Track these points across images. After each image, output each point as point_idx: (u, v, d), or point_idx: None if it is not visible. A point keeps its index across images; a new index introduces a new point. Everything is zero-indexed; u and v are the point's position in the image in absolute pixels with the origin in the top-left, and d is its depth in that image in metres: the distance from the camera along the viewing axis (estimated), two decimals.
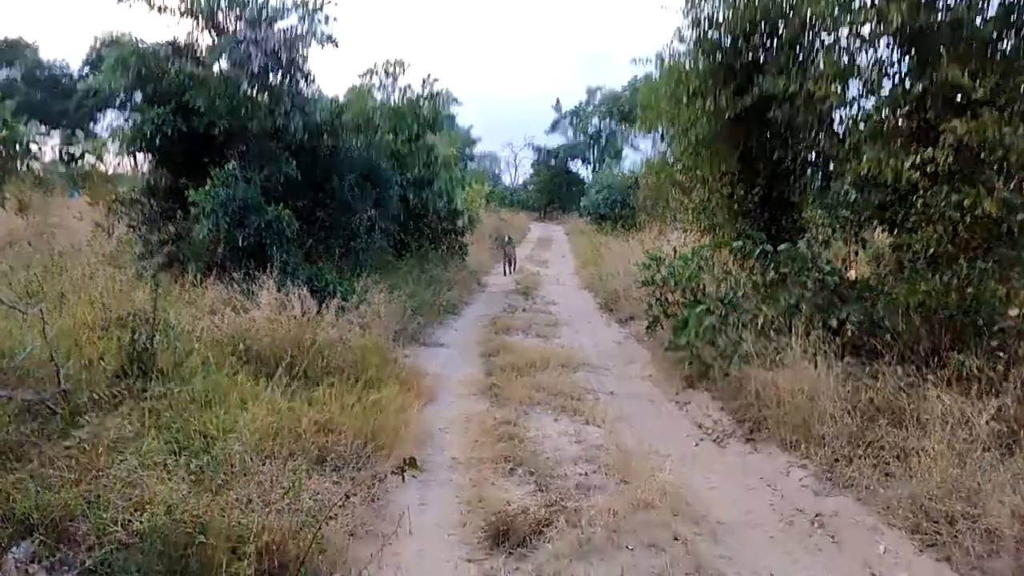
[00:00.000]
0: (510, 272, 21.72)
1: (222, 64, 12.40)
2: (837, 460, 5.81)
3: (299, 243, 12.08)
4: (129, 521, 4.07)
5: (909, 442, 5.61)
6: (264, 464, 5.12)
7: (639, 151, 46.75)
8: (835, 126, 8.42)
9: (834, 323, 7.46)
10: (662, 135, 21.38)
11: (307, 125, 12.69)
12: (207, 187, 10.83)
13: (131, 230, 12.63)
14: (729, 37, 9.36)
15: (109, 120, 44.01)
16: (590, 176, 58.46)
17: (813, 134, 8.49)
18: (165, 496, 4.19)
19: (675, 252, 10.20)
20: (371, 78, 17.43)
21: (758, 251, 8.20)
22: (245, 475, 4.87)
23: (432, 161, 16.93)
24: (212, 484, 4.61)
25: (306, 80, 12.76)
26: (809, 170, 8.93)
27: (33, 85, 44.02)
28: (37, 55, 46.41)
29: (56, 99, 45.07)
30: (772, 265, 8.19)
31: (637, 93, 45.54)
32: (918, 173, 6.62)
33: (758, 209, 9.72)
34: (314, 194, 13.01)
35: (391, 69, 17.29)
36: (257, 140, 12.06)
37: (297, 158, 12.39)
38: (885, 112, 7.59)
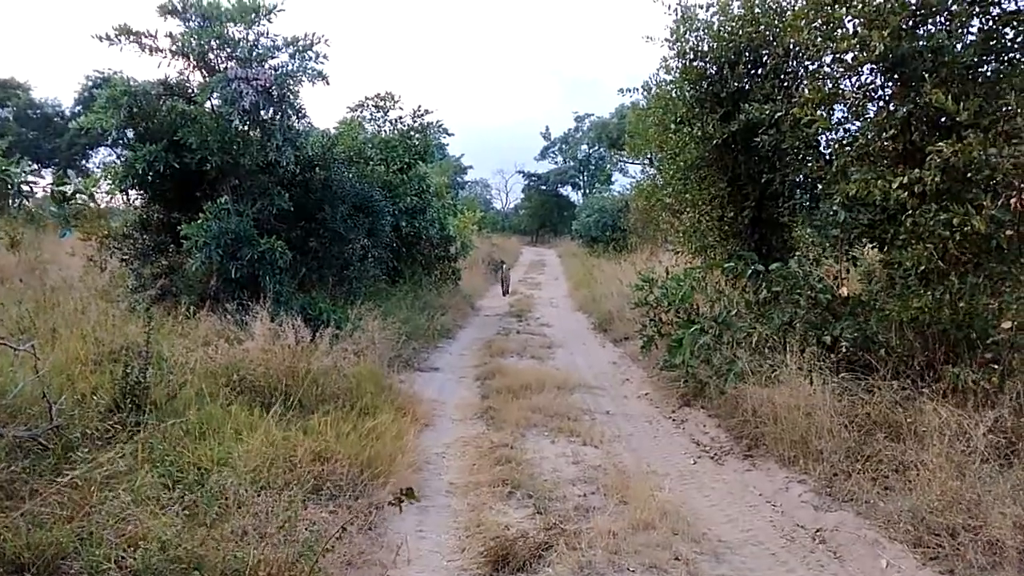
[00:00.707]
0: (506, 292, 22.41)
1: (214, 101, 12.46)
2: (836, 475, 5.75)
3: (292, 273, 12.03)
4: (123, 558, 3.97)
5: (907, 455, 5.56)
6: (259, 495, 5.02)
7: (629, 176, 46.99)
8: (821, 149, 8.46)
9: (828, 339, 7.43)
10: (651, 160, 21.64)
11: (299, 158, 12.72)
12: (200, 221, 10.81)
13: (123, 264, 12.57)
14: (715, 66, 9.46)
15: (101, 157, 44.21)
16: (580, 200, 58.95)
17: (800, 157, 8.54)
18: (159, 532, 4.09)
19: (667, 273, 10.19)
20: (362, 111, 17.57)
21: (750, 271, 8.19)
22: (240, 507, 4.78)
23: (424, 190, 16.99)
24: (206, 518, 4.52)
25: (297, 115, 12.77)
26: (797, 191, 8.96)
27: (25, 124, 44.17)
28: (29, 95, 46.61)
29: (48, 138, 45.24)
30: (764, 284, 8.17)
31: (625, 120, 46.30)
32: (906, 193, 6.62)
33: (748, 230, 9.74)
34: (307, 225, 12.98)
35: (381, 102, 17.42)
36: (249, 174, 12.04)
37: (289, 191, 12.38)
38: (870, 135, 7.62)
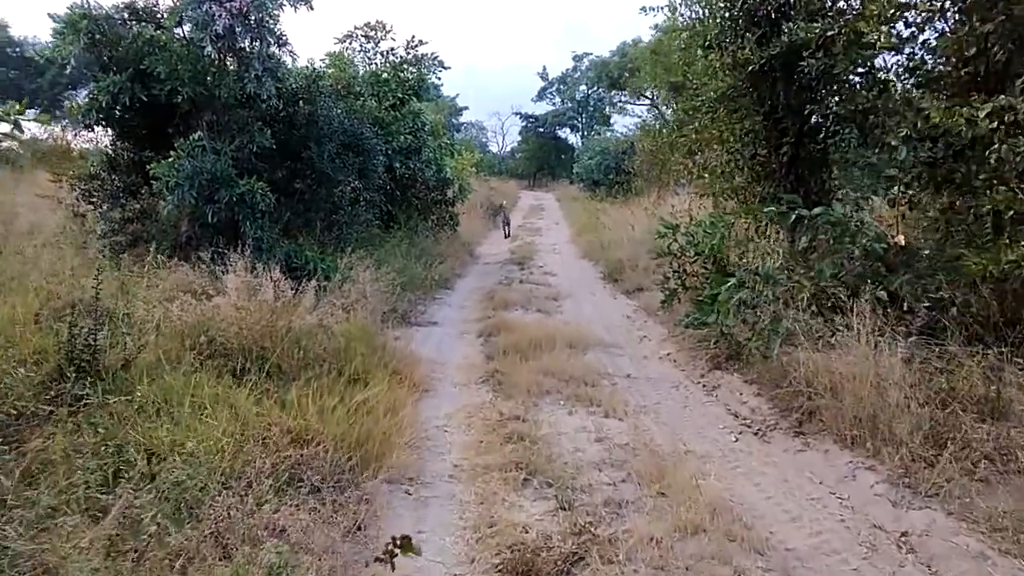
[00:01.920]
0: (507, 235, 22.13)
1: (184, 28, 11.15)
2: (914, 461, 4.78)
3: (276, 218, 10.91)
4: None
5: (1003, 440, 4.60)
6: (221, 493, 4.03)
7: (633, 115, 45.15)
8: (879, 75, 7.30)
9: (884, 295, 6.41)
10: (652, 101, 20.15)
11: (281, 92, 11.45)
12: (171, 159, 9.64)
13: (92, 208, 11.42)
14: None
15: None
16: (579, 143, 57.23)
17: (852, 84, 7.37)
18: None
19: (691, 219, 9.10)
20: (351, 42, 16.12)
21: (793, 216, 7.10)
22: (192, 511, 3.80)
23: (419, 128, 15.68)
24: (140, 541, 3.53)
25: (278, 43, 11.42)
26: (845, 125, 7.81)
27: (5, 63, 42.10)
28: (7, 32, 44.35)
29: (29, 77, 43.11)
30: (808, 231, 7.11)
31: (626, 58, 44.40)
32: (995, 123, 5.51)
33: (784, 170, 8.60)
34: (292, 165, 11.80)
35: (372, 32, 15.97)
36: (227, 108, 10.78)
37: (272, 127, 11.17)
38: (941, 57, 6.47)
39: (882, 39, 6.35)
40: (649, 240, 13.47)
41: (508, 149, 66.74)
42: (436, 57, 15.64)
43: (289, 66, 11.89)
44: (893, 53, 6.90)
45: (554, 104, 59.29)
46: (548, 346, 8.30)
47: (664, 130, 22.27)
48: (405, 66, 15.56)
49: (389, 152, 14.42)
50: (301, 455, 4.70)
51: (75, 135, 18.06)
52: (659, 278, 11.43)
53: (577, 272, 15.34)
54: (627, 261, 13.25)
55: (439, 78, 15.92)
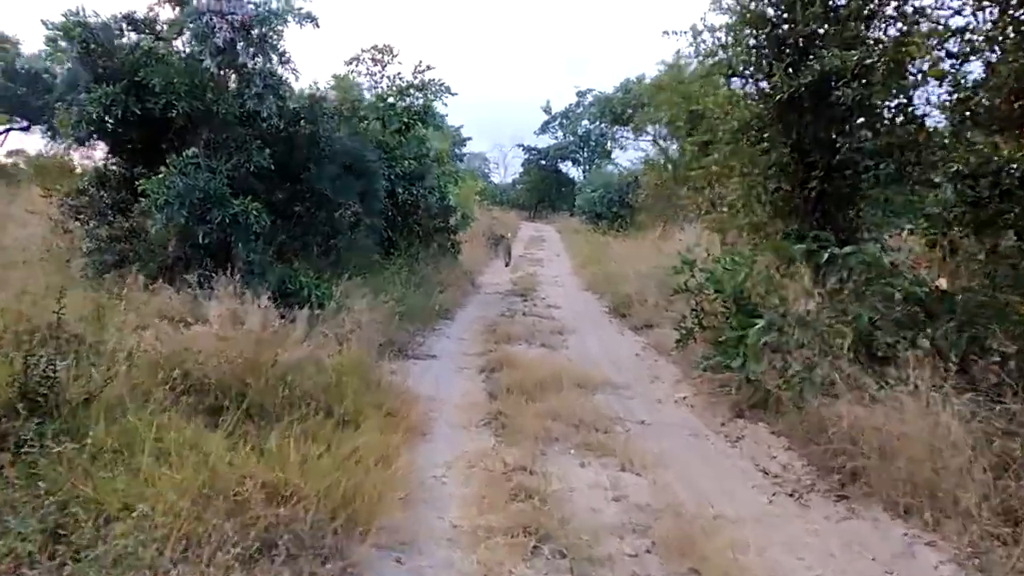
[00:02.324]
0: (508, 264, 21.80)
1: (184, 40, 10.67)
2: (983, 538, 4.12)
3: (270, 240, 10.32)
4: None
5: None
6: (177, 567, 3.35)
7: (639, 150, 44.72)
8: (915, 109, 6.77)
9: (926, 344, 5.80)
10: (671, 129, 19.63)
11: (283, 110, 10.96)
12: (161, 176, 9.06)
13: (80, 225, 10.82)
14: (782, 4, 7.64)
15: None
16: (580, 176, 56.97)
17: (887, 118, 6.83)
18: None
19: (708, 254, 8.50)
20: (357, 65, 15.68)
21: (826, 255, 6.49)
22: None
23: (424, 154, 15.18)
24: None
25: (281, 60, 10.95)
26: (879, 161, 7.23)
27: (14, 80, 41.82)
28: (18, 49, 44.19)
29: (37, 94, 42.85)
30: (839, 272, 6.50)
31: (629, 95, 44.28)
32: None
33: (810, 206, 8.01)
34: (291, 186, 11.23)
35: (379, 55, 15.55)
36: (224, 126, 10.25)
37: (271, 147, 10.63)
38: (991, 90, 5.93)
39: (929, 67, 5.79)
40: (657, 275, 12.89)
41: (509, 180, 66.48)
42: (443, 83, 15.20)
43: (292, 84, 11.41)
44: (937, 84, 6.34)
45: (556, 138, 59.12)
46: (554, 385, 7.64)
47: (669, 165, 21.96)
48: (411, 91, 15.11)
49: (392, 177, 13.89)
50: (278, 515, 4.01)
51: (75, 150, 17.54)
52: (670, 315, 10.89)
53: (581, 305, 14.71)
54: (636, 296, 12.61)
55: (445, 104, 15.44)
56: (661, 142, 46.30)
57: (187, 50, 10.46)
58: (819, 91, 7.27)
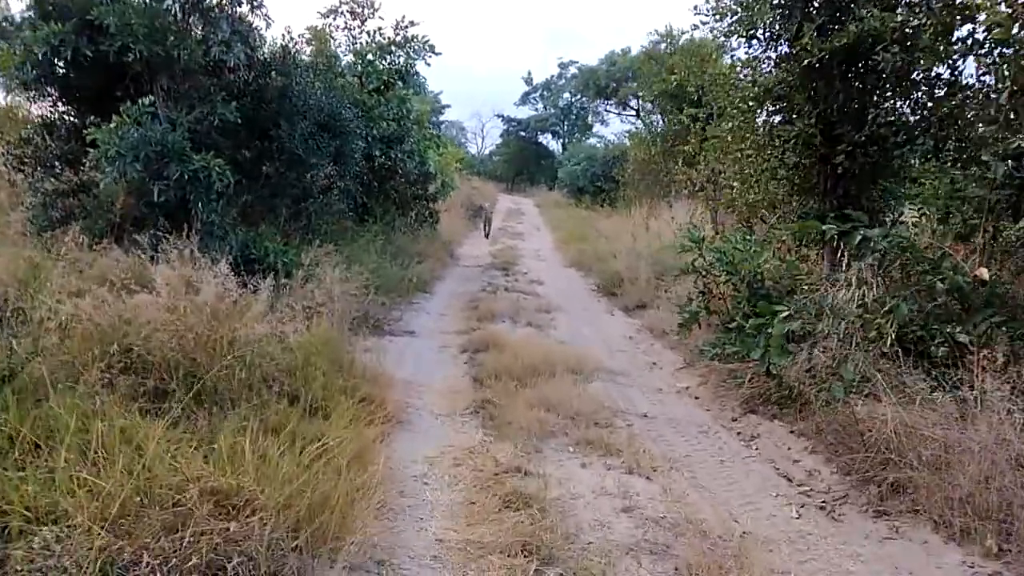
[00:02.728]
0: (487, 235, 21.29)
1: None
2: None
3: (234, 201, 9.44)
4: None
5: None
6: None
7: (628, 123, 43.81)
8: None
9: (965, 339, 5.20)
10: (661, 103, 18.89)
11: (252, 60, 9.99)
12: (113, 125, 8.11)
13: (24, 178, 9.83)
14: None
15: None
16: (560, 150, 56.09)
17: (930, 87, 6.16)
18: None
19: (716, 233, 7.81)
20: (334, 18, 14.60)
21: (859, 238, 5.81)
22: None
23: (403, 116, 14.25)
24: None
25: (251, 4, 9.97)
26: (917, 135, 6.55)
27: None
28: None
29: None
30: (872, 256, 5.84)
31: (615, 67, 43.38)
32: None
33: (830, 183, 7.32)
34: (259, 144, 10.32)
35: (358, 9, 14.48)
36: (187, 74, 9.28)
37: (239, 99, 9.71)
38: None
39: (999, 30, 5.09)
40: (648, 253, 12.24)
41: (487, 151, 65.31)
42: (427, 40, 14.23)
43: (263, 33, 10.42)
44: (988, 51, 5.66)
45: (536, 110, 58.15)
46: (546, 370, 6.94)
47: (657, 139, 21.21)
48: (392, 48, 14.15)
49: (369, 138, 12.97)
50: (227, 531, 3.26)
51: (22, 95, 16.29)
52: (664, 296, 10.25)
53: (565, 282, 14.02)
54: (627, 275, 11.91)
55: (428, 63, 14.47)
56: (645, 116, 45.87)
57: None
58: (852, 56, 6.57)
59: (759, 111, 7.70)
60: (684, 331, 7.48)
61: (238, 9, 9.68)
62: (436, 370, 7.32)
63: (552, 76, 57.37)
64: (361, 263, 10.39)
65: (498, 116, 57.57)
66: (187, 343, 4.86)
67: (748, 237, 7.13)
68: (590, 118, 55.44)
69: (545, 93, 58.21)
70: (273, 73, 10.28)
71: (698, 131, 16.68)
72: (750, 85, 7.48)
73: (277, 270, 8.19)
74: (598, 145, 35.62)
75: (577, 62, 52.91)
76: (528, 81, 58.82)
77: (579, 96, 54.72)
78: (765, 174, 7.82)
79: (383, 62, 14.03)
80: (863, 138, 6.75)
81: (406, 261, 12.28)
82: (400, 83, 14.16)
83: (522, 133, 56.97)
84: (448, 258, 15.57)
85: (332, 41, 14.34)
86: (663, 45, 20.99)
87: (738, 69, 7.86)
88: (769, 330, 5.69)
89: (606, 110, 50.12)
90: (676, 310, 8.66)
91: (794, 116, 7.18)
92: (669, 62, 20.29)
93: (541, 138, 57.82)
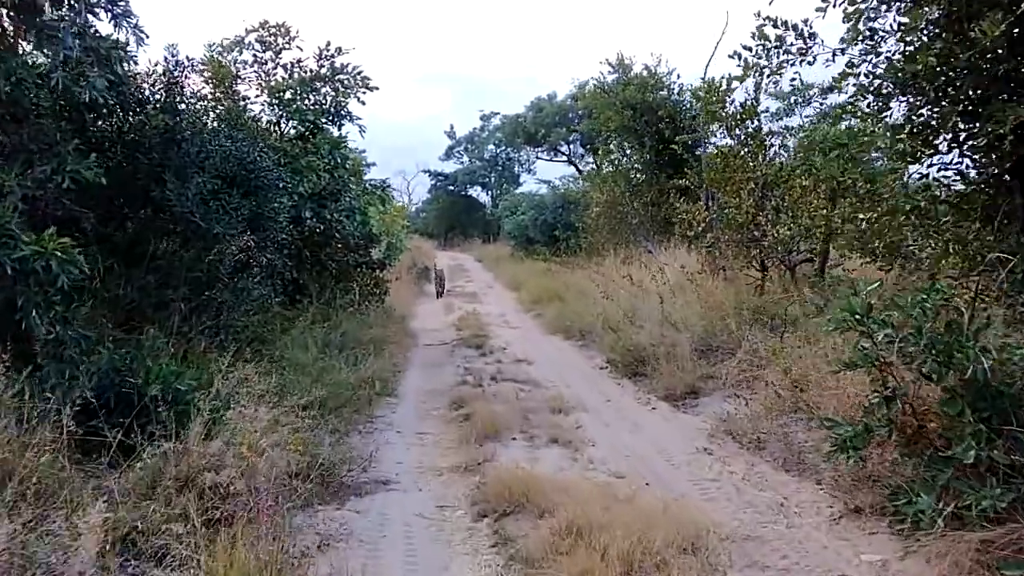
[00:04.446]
0: (441, 294, 19.73)
1: None
2: None
3: (102, 299, 6.15)
4: None
5: None
6: None
7: (568, 170, 41.58)
8: None
9: None
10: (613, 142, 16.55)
11: (122, 94, 6.79)
12: None
13: None
14: None
15: None
16: (489, 201, 53.70)
17: None
18: None
19: (878, 297, 4.89)
20: (240, 51, 11.43)
21: None
22: None
23: (337, 164, 11.12)
24: None
25: (112, 13, 6.77)
26: None
27: None
28: None
29: None
30: None
31: (542, 113, 41.48)
32: None
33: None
34: (142, 212, 7.06)
35: (270, 38, 11.36)
36: (19, 117, 6.07)
37: (102, 150, 6.55)
38: None
39: None
40: (681, 318, 9.37)
41: (413, 209, 62.28)
42: (359, 72, 11.23)
43: (134, 54, 7.21)
44: None
45: (462, 163, 55.90)
46: (647, 560, 3.86)
47: (620, 179, 18.71)
48: (316, 83, 11.09)
49: (296, 197, 9.80)
50: None
51: None
52: (714, 374, 7.38)
53: (560, 359, 10.96)
54: (652, 348, 8.90)
55: (362, 101, 11.45)
56: (576, 164, 43.90)
57: None
58: None
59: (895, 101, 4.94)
60: (843, 456, 4.52)
61: (91, 19, 6.48)
62: None
63: (475, 128, 55.41)
64: (298, 368, 7.20)
65: (425, 172, 54.91)
66: None
67: (927, 300, 4.27)
68: (516, 168, 53.63)
69: (469, 146, 56.07)
70: (152, 110, 7.06)
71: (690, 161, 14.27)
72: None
73: (164, 414, 4.89)
74: (541, 192, 33.05)
75: (499, 113, 50.99)
76: (451, 135, 56.66)
77: (503, 147, 52.81)
78: (919, 197, 5.03)
79: (306, 101, 10.94)
80: None
81: (358, 354, 9.04)
82: (331, 126, 11.09)
83: (450, 187, 54.48)
84: (407, 338, 12.31)
85: (237, 81, 11.17)
86: (613, 77, 18.55)
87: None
88: None
89: (538, 157, 48.14)
90: (750, 398, 5.79)
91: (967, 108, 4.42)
92: (623, 94, 17.96)
93: (471, 191, 55.46)
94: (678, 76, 19.93)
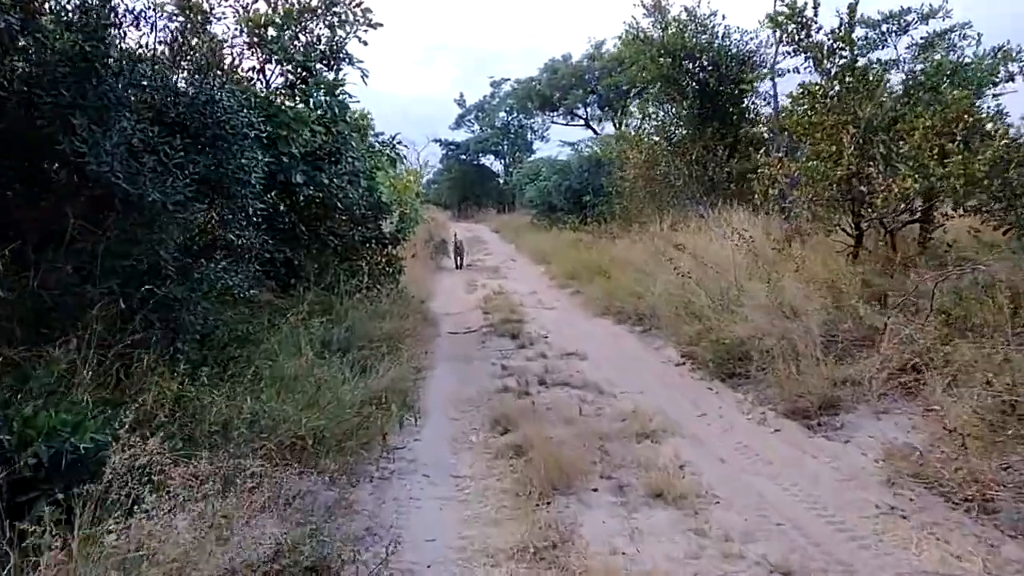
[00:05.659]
0: (460, 266, 18.73)
1: None
2: None
3: None
4: None
5: None
6: None
7: (595, 131, 38.94)
8: None
9: None
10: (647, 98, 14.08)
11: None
12: None
13: None
14: None
15: None
16: (503, 170, 51.36)
17: None
18: None
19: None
20: None
21: None
22: None
23: (337, 117, 8.81)
24: None
25: None
26: None
27: None
28: None
29: None
30: None
31: (557, 75, 38.78)
32: None
33: None
34: (42, 174, 4.89)
35: None
36: None
37: None
38: None
39: None
40: (780, 295, 7.13)
41: (424, 179, 59.83)
42: (359, 3, 8.93)
43: None
44: None
45: (473, 132, 53.38)
46: None
47: (660, 136, 16.37)
48: (306, 17, 8.79)
49: (284, 158, 7.56)
50: None
51: None
52: (858, 378, 5.18)
53: (615, 348, 8.75)
54: (756, 340, 6.67)
55: (364, 41, 9.16)
56: (592, 127, 41.24)
57: None
58: None
59: None
60: None
61: None
62: None
63: (485, 96, 52.87)
64: (285, 385, 5.09)
65: (436, 141, 52.26)
66: None
67: None
68: (529, 135, 51.13)
69: (479, 114, 53.51)
70: (58, 28, 4.82)
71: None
72: None
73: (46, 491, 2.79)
74: (562, 156, 30.54)
75: (509, 79, 48.29)
76: (461, 103, 54.09)
77: (515, 114, 50.24)
78: None
79: (296, 41, 8.66)
80: None
81: (368, 355, 6.90)
82: (325, 69, 8.81)
83: (463, 156, 52.03)
84: (427, 327, 10.12)
85: (212, 20, 8.84)
86: (648, 21, 16.00)
87: None
88: None
89: (553, 122, 45.55)
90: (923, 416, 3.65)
91: None
92: (663, 38, 15.50)
93: (483, 160, 52.99)
94: (723, 17, 17.42)
